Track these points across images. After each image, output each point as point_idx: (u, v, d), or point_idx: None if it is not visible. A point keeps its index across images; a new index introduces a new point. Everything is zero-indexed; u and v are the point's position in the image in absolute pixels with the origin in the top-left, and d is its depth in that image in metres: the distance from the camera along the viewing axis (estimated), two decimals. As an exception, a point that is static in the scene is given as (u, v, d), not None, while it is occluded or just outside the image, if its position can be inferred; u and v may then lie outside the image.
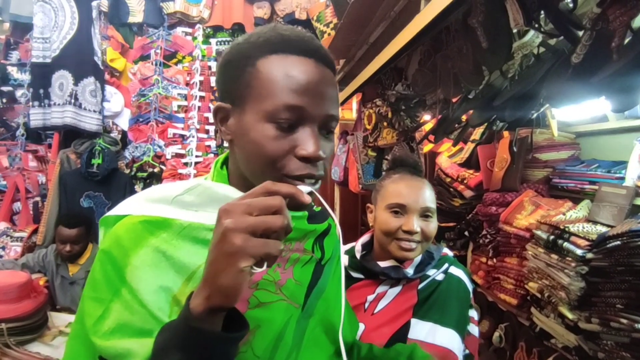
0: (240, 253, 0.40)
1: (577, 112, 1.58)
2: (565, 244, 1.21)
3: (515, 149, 1.65)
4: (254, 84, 0.54)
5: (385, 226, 0.93)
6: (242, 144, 0.56)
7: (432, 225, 0.94)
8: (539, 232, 1.34)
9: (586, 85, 0.84)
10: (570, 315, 1.17)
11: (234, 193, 0.58)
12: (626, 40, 0.81)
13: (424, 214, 0.93)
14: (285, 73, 0.53)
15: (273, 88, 0.53)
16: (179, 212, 0.56)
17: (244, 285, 0.41)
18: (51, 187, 2.41)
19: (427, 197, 0.94)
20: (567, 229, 1.23)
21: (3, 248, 2.27)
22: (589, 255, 1.12)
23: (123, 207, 0.59)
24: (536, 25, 0.99)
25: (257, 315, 0.56)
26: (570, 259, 1.18)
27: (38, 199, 2.49)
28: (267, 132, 0.53)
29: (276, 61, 0.54)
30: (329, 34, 2.72)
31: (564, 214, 1.37)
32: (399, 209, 0.93)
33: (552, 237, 1.27)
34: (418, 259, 0.96)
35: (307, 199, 0.47)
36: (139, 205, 0.58)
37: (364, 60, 2.21)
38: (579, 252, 1.15)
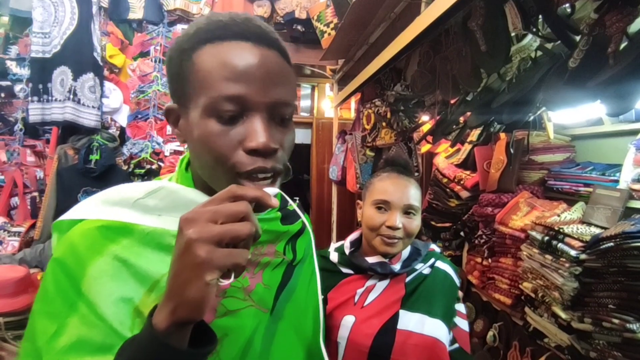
0: (205, 265, 0.37)
1: (573, 115, 1.60)
2: (560, 245, 1.23)
3: (512, 151, 1.67)
4: (191, 79, 0.50)
5: (370, 221, 0.97)
6: (191, 144, 0.52)
7: (415, 223, 0.97)
8: (533, 233, 1.36)
9: (582, 90, 0.86)
10: (563, 315, 1.19)
11: (200, 197, 0.54)
12: (622, 46, 0.83)
13: (407, 211, 0.96)
14: (220, 61, 0.48)
15: (209, 80, 0.49)
16: (141, 216, 0.52)
17: (211, 298, 0.38)
18: (49, 182, 2.41)
19: (412, 195, 0.97)
20: (561, 230, 1.25)
21: (0, 243, 2.27)
22: (583, 256, 1.14)
23: (78, 211, 0.53)
24: (534, 30, 1.00)
25: (225, 323, 0.53)
26: (564, 259, 1.20)
27: (36, 194, 2.48)
28: (210, 128, 0.49)
29: (210, 50, 0.49)
30: (329, 34, 2.73)
31: (558, 216, 1.39)
32: (383, 205, 0.96)
33: (546, 238, 1.29)
34: (406, 254, 1.00)
35: (275, 202, 0.44)
36: (96, 208, 0.53)
37: (364, 60, 2.22)
38: (573, 253, 1.17)
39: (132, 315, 0.47)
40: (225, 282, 0.39)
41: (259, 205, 0.43)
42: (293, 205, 0.52)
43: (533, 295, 1.35)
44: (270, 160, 0.50)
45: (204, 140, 0.49)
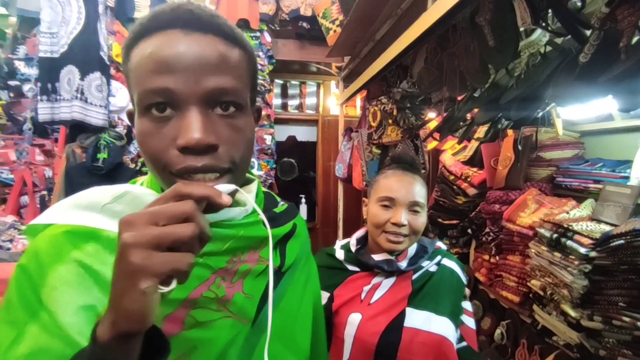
0: (140, 272, 0.34)
1: (582, 111, 1.58)
2: (569, 242, 1.21)
3: (519, 148, 1.66)
4: (129, 78, 0.49)
5: (375, 219, 0.97)
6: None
7: (421, 220, 0.96)
8: (542, 230, 1.35)
9: (593, 85, 0.85)
10: (572, 313, 1.18)
11: None
12: (634, 40, 0.82)
13: (413, 208, 0.96)
14: (146, 55, 0.45)
15: (137, 76, 0.46)
16: (109, 222, 0.48)
17: (151, 307, 0.35)
18: (58, 181, 2.43)
19: (417, 192, 0.96)
20: (570, 228, 1.24)
21: (11, 241, 2.30)
22: (593, 254, 1.13)
23: (48, 215, 0.51)
24: (544, 24, 0.99)
25: (194, 335, 0.50)
26: (573, 257, 1.19)
27: (45, 192, 2.51)
28: (143, 127, 0.46)
29: (142, 45, 0.46)
30: (335, 31, 2.72)
31: (567, 213, 1.37)
32: (388, 202, 0.96)
33: (555, 235, 1.28)
34: (412, 251, 0.99)
35: (226, 200, 0.40)
36: (65, 212, 0.50)
37: (370, 57, 2.21)
38: (582, 250, 1.16)
39: (94, 324, 0.44)
40: (165, 290, 0.35)
41: (212, 205, 0.39)
42: (252, 203, 0.48)
43: (541, 293, 1.34)
44: (207, 158, 0.45)
45: (139, 140, 0.47)
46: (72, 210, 0.50)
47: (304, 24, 3.19)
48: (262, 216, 0.47)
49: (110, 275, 0.45)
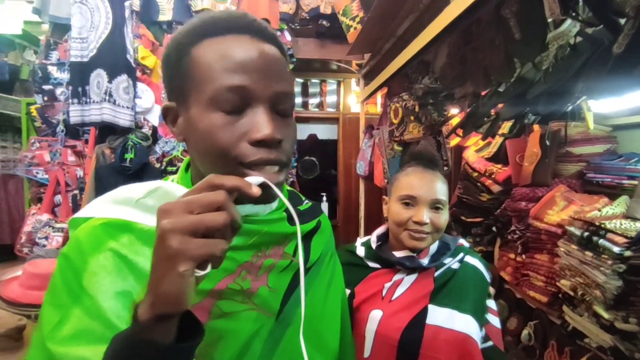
0: (179, 256, 0.37)
1: (615, 105, 1.52)
2: (601, 241, 1.17)
3: (547, 143, 1.60)
4: (191, 74, 0.51)
5: (397, 217, 0.96)
6: (193, 141, 0.52)
7: (443, 217, 0.95)
8: (572, 229, 1.30)
9: (629, 77, 0.81)
10: (605, 315, 1.13)
11: None
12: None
13: (435, 206, 0.95)
14: (221, 54, 0.49)
15: (210, 73, 0.49)
16: (142, 215, 0.53)
17: (188, 290, 0.37)
18: (88, 181, 2.53)
19: (438, 189, 0.95)
20: (603, 226, 1.19)
21: (46, 238, 2.41)
22: (627, 253, 1.08)
23: (89, 209, 0.56)
24: (574, 14, 0.95)
25: (220, 326, 0.53)
26: (606, 256, 1.15)
27: (77, 192, 2.62)
28: (214, 120, 0.49)
29: (210, 44, 0.50)
30: (355, 28, 2.70)
31: (599, 210, 1.32)
32: (409, 201, 0.95)
33: (586, 233, 1.24)
34: (434, 248, 0.98)
35: (256, 191, 0.43)
36: (103, 207, 0.56)
37: (391, 53, 2.18)
38: (616, 249, 1.11)
39: (131, 308, 0.46)
40: (201, 273, 0.38)
41: (243, 195, 0.42)
42: (279, 194, 0.49)
43: (572, 293, 1.29)
44: (275, 152, 0.50)
45: (207, 132, 0.49)
46: (109, 205, 0.55)
47: (324, 22, 3.18)
48: (291, 208, 0.49)
49: (143, 265, 0.50)
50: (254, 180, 0.45)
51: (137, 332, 0.39)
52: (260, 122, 0.49)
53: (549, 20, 1.05)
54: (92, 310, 0.47)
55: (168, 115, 0.56)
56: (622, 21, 0.85)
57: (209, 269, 0.39)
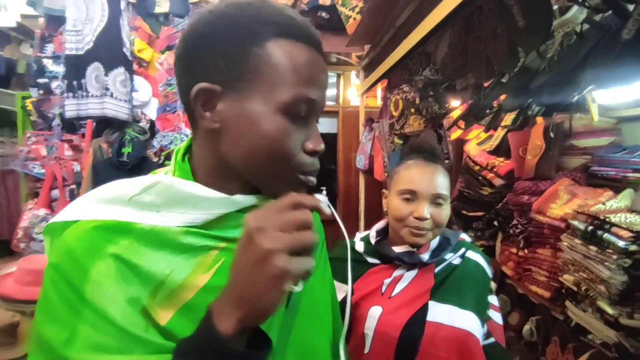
0: (286, 275, 0.39)
1: (620, 96, 1.48)
2: (606, 235, 1.14)
3: (551, 135, 1.57)
4: (263, 69, 0.48)
5: (397, 212, 0.93)
6: (244, 135, 0.49)
7: (444, 212, 0.93)
8: (575, 223, 1.28)
9: (638, 64, 0.78)
10: (610, 311, 1.11)
11: (200, 190, 0.51)
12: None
13: (435, 201, 0.92)
14: (300, 62, 0.50)
15: (289, 78, 0.49)
16: (138, 214, 0.49)
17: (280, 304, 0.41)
18: (85, 175, 2.51)
19: (439, 183, 0.93)
20: (607, 219, 1.16)
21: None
22: (633, 248, 1.06)
23: (71, 212, 0.50)
24: (580, 0, 0.91)
25: None
26: (610, 251, 1.12)
27: (74, 186, 2.60)
28: (282, 126, 0.49)
29: (288, 47, 0.49)
30: (355, 19, 2.65)
31: (603, 204, 1.29)
32: (410, 195, 0.93)
33: (590, 227, 1.21)
34: (435, 244, 0.96)
35: (328, 211, 0.47)
36: (89, 207, 0.50)
37: (391, 45, 2.14)
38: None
39: (142, 315, 0.46)
40: (297, 289, 0.41)
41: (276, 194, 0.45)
42: (334, 213, 0.55)
43: (575, 288, 1.27)
44: (317, 162, 0.54)
45: (273, 136, 0.49)
46: (97, 205, 0.50)
47: (323, 14, 3.13)
48: (339, 221, 0.57)
49: (148, 268, 0.47)
50: (322, 199, 0.48)
51: (222, 344, 0.40)
52: (317, 135, 0.53)
53: (555, 7, 1.02)
54: (102, 324, 0.43)
55: (201, 97, 0.50)
56: (631, 7, 0.82)
57: (300, 285, 0.41)
